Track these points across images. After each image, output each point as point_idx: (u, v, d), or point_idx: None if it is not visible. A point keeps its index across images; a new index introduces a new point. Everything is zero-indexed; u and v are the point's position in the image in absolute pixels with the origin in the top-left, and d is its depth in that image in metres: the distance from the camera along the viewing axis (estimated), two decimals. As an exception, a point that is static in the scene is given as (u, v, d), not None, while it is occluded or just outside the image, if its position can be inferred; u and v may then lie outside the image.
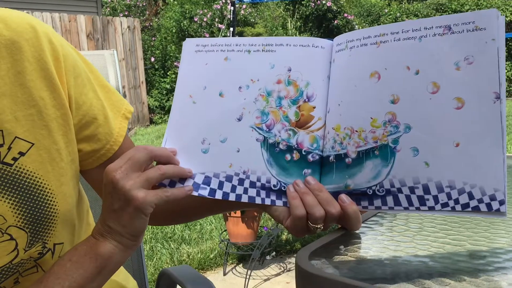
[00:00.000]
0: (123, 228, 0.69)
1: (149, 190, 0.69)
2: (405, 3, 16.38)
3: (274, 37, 0.78)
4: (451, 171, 0.62)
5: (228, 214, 2.82)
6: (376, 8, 14.47)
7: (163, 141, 0.78)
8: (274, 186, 0.71)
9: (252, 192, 0.72)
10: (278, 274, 2.84)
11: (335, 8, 13.62)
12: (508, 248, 0.76)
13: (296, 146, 0.71)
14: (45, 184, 0.72)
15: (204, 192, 0.72)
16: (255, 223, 2.85)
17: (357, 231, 0.86)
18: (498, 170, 0.60)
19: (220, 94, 0.76)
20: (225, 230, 3.05)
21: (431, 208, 0.63)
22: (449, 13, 12.96)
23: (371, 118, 0.68)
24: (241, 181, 0.72)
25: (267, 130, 0.73)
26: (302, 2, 13.48)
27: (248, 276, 2.70)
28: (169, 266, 3.09)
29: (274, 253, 3.11)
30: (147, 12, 17.23)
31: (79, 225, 0.83)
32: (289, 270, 2.90)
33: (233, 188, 0.72)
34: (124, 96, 8.72)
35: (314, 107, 0.72)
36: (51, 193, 0.73)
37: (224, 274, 2.89)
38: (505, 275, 0.67)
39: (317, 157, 0.71)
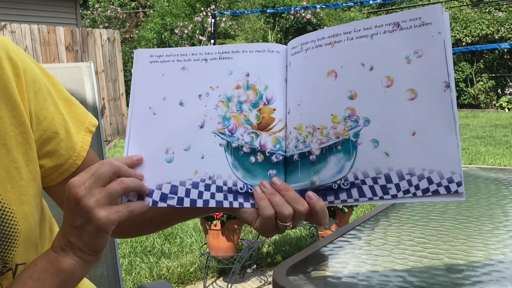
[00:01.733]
0: (84, 244, 0.68)
1: (111, 206, 0.67)
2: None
3: (229, 44, 0.79)
4: (410, 159, 0.65)
5: (208, 227, 2.79)
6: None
7: (124, 152, 0.77)
8: (241, 188, 0.71)
9: (219, 196, 0.72)
10: (259, 287, 2.82)
11: (314, 20, 13.76)
12: (485, 261, 0.76)
13: (259, 148, 0.72)
14: (5, 203, 0.70)
15: (172, 202, 0.72)
16: (235, 236, 2.83)
17: (335, 245, 0.85)
18: (453, 153, 0.63)
19: (180, 104, 0.76)
20: (205, 243, 3.02)
21: (394, 196, 0.65)
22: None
23: (332, 115, 0.70)
24: (207, 187, 0.72)
25: (230, 134, 0.73)
26: (282, 15, 13.58)
27: (228, 290, 2.68)
28: (148, 281, 3.04)
29: (254, 266, 3.08)
30: (128, 24, 17.18)
31: (42, 244, 0.81)
32: (269, 283, 2.87)
33: (200, 194, 0.72)
34: (104, 107, 8.64)
35: (275, 109, 0.73)
36: (11, 212, 0.70)
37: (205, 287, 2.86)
38: (482, 289, 0.67)
39: (281, 157, 0.72)
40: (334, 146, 0.69)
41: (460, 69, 12.99)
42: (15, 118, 0.70)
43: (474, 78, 12.99)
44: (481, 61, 12.87)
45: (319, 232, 3.21)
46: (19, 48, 0.76)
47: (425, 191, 0.63)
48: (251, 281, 2.93)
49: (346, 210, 2.93)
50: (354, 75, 0.69)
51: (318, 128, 0.70)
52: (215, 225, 2.76)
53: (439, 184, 0.63)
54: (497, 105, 12.77)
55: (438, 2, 13.91)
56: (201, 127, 0.74)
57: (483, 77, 12.89)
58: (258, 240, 2.81)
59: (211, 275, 3.01)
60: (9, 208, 0.70)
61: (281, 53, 0.76)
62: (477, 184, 1.30)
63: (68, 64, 1.54)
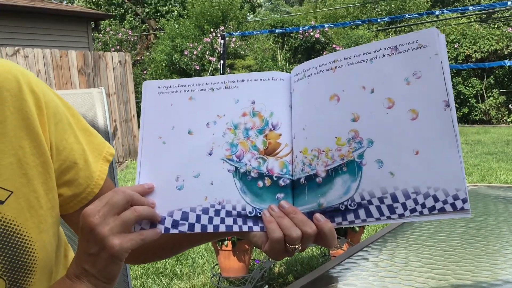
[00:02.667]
0: (98, 272, 0.69)
1: (125, 234, 0.69)
2: (392, 34, 16.69)
3: (235, 74, 0.82)
4: (414, 178, 0.66)
5: (219, 248, 2.80)
6: (364, 39, 14.73)
7: (136, 181, 0.79)
8: (250, 213, 0.73)
9: (229, 221, 0.74)
10: (271, 308, 2.80)
11: (323, 39, 13.84)
12: (492, 281, 0.77)
13: (267, 172, 0.74)
14: (24, 231, 0.72)
15: (184, 228, 0.74)
16: (246, 256, 2.83)
17: (343, 267, 0.86)
18: (457, 170, 0.64)
19: (189, 132, 0.79)
20: (216, 264, 3.03)
21: (401, 216, 0.66)
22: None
23: (336, 137, 0.71)
24: (217, 212, 0.74)
25: (238, 160, 0.76)
26: (291, 34, 13.69)
27: (240, 311, 2.67)
28: (161, 302, 3.04)
29: (266, 286, 3.08)
30: (139, 46, 17.40)
31: (56, 271, 0.82)
32: (282, 304, 2.85)
33: (210, 220, 0.74)
34: (116, 129, 8.72)
35: (280, 135, 0.75)
36: (30, 241, 0.73)
37: (217, 309, 2.86)
38: (488, 309, 0.67)
39: (288, 181, 0.73)
40: (340, 168, 0.70)
41: (470, 84, 12.96)
42: (36, 148, 0.73)
43: (484, 94, 12.94)
44: (491, 76, 12.83)
45: (331, 252, 3.20)
46: (41, 81, 0.79)
47: (432, 209, 0.65)
48: (263, 301, 2.91)
49: (357, 229, 2.92)
50: (356, 98, 0.71)
51: (323, 151, 0.72)
52: (226, 246, 2.76)
53: (444, 202, 0.64)
54: (508, 120, 12.69)
55: (445, 19, 13.94)
56: (210, 154, 0.77)
57: (493, 93, 12.84)
58: (270, 260, 2.80)
59: (223, 296, 3.01)
60: (28, 237, 0.72)
61: (285, 81, 0.78)
62: (486, 203, 1.30)
63: (80, 90, 1.58)
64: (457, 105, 13.16)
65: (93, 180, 0.81)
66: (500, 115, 12.88)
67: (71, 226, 0.85)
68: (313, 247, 3.53)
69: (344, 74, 0.73)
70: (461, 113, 13.18)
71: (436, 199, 0.65)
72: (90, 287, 0.70)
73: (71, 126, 0.80)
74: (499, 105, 12.78)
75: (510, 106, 12.83)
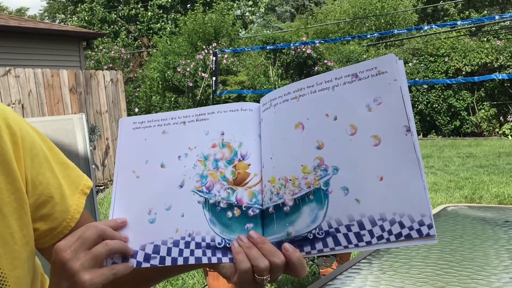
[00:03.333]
0: None
1: (96, 270, 0.69)
2: (382, 48, 16.82)
3: (206, 107, 0.83)
4: (380, 204, 0.66)
5: (208, 269, 2.78)
6: (355, 54, 14.82)
7: (109, 215, 0.80)
8: (219, 244, 0.73)
9: (198, 253, 0.74)
10: (261, 329, 2.79)
11: (315, 55, 13.93)
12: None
13: (236, 203, 0.75)
14: None
15: (155, 262, 0.74)
16: (236, 277, 2.81)
17: (314, 296, 0.86)
18: (421, 196, 0.64)
19: (161, 166, 0.80)
20: (206, 285, 3.01)
21: (369, 243, 0.66)
22: (425, 57, 13.29)
23: (302, 166, 0.72)
24: (187, 244, 0.74)
25: (207, 191, 0.76)
26: (283, 50, 13.78)
27: (229, 333, 2.65)
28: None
29: (257, 306, 3.06)
30: (131, 64, 17.45)
31: None
32: (272, 324, 2.81)
33: (180, 252, 0.74)
34: (108, 147, 8.71)
35: (249, 165, 0.76)
36: (3, 277, 0.72)
37: (206, 330, 2.83)
38: None
39: (257, 211, 0.74)
40: (307, 196, 0.71)
41: (461, 97, 13.04)
42: (11, 184, 0.73)
43: (476, 107, 13.03)
44: (482, 89, 12.92)
45: (321, 270, 3.19)
46: (19, 116, 0.79)
47: (398, 236, 0.65)
48: (253, 322, 2.89)
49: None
50: (320, 125, 0.72)
51: (290, 180, 0.72)
52: (215, 267, 2.75)
53: (410, 228, 0.64)
54: (500, 132, 12.76)
55: (434, 33, 14.07)
56: (181, 186, 0.77)
57: (484, 105, 12.92)
58: (259, 280, 2.79)
59: (212, 317, 2.98)
60: (2, 273, 0.72)
61: (253, 111, 0.79)
62: (464, 224, 1.30)
63: (60, 116, 1.58)
64: (448, 118, 13.23)
65: (69, 214, 0.81)
66: (491, 128, 12.95)
67: (48, 259, 0.85)
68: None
69: (307, 102, 0.74)
70: (453, 126, 13.24)
71: (402, 225, 0.65)
72: None
73: (47, 160, 0.80)
74: (490, 117, 12.86)
75: (501, 118, 12.91)
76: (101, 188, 7.67)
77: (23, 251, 0.75)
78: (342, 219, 0.68)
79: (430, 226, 0.64)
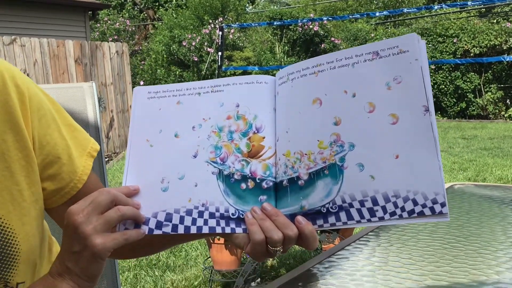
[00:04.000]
0: (80, 270, 0.71)
1: (108, 234, 0.70)
2: (391, 27, 16.64)
3: (221, 78, 0.84)
4: (394, 181, 0.67)
5: (211, 241, 2.82)
6: (363, 32, 14.68)
7: (122, 183, 0.80)
8: (233, 214, 0.74)
9: (212, 222, 0.75)
10: (262, 301, 2.83)
11: (322, 32, 13.81)
12: (468, 283, 0.78)
13: (250, 175, 0.75)
14: (6, 224, 0.73)
15: (167, 229, 0.75)
16: (238, 250, 2.84)
17: (323, 266, 0.87)
18: (436, 175, 0.65)
19: (175, 136, 0.80)
20: (209, 257, 3.05)
21: (381, 219, 0.67)
22: (433, 37, 13.16)
23: (318, 141, 0.72)
24: (200, 214, 0.75)
25: (222, 163, 0.77)
26: (290, 26, 13.65)
27: (232, 304, 2.69)
28: (153, 293, 3.06)
29: (258, 279, 3.10)
30: (137, 36, 17.34)
31: (41, 263, 0.84)
32: (273, 297, 2.86)
33: (194, 221, 0.75)
34: (112, 120, 8.72)
35: (264, 137, 0.76)
36: (13, 233, 0.74)
37: (209, 301, 2.88)
38: (461, 311, 0.68)
39: (271, 183, 0.74)
40: (322, 171, 0.71)
41: (468, 79, 12.96)
42: (19, 142, 0.74)
43: (482, 89, 12.95)
44: (490, 71, 12.83)
45: (323, 246, 3.22)
46: (26, 76, 0.80)
47: (411, 212, 0.66)
48: (255, 294, 2.93)
49: (349, 224, 2.94)
50: (338, 102, 0.72)
51: (306, 154, 0.73)
52: (219, 239, 2.78)
53: (423, 206, 0.65)
54: (506, 115, 12.71)
55: (444, 14, 13.90)
56: (195, 156, 0.78)
57: (491, 88, 12.84)
58: (262, 254, 2.82)
59: (215, 288, 3.03)
60: (11, 229, 0.73)
61: (269, 84, 0.79)
62: (471, 202, 1.31)
63: (71, 84, 1.58)
64: (455, 100, 13.17)
65: (76, 175, 0.82)
66: (497, 110, 12.89)
67: (56, 220, 0.86)
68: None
69: (326, 78, 0.74)
70: (459, 108, 13.19)
71: (415, 202, 0.65)
72: (72, 285, 0.72)
73: (55, 121, 0.81)
74: (496, 100, 12.79)
75: (507, 101, 12.85)
76: (105, 160, 7.72)
77: (32, 208, 0.76)
78: (356, 195, 0.68)
79: (443, 205, 0.64)
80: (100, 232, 0.69)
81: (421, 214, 0.65)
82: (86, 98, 1.50)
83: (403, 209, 0.66)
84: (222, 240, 2.78)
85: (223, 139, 0.77)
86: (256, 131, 0.76)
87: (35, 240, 0.78)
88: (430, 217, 0.65)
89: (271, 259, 3.38)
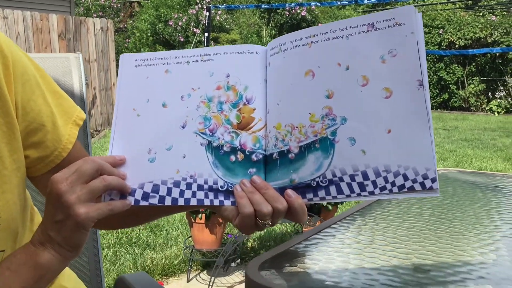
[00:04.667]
0: (63, 239, 0.69)
1: (92, 204, 0.69)
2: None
3: (211, 47, 0.81)
4: (386, 156, 0.67)
5: (193, 220, 2.81)
6: (350, 19, 14.62)
7: (108, 152, 0.78)
8: (221, 187, 0.73)
9: (200, 195, 0.74)
10: (242, 282, 2.84)
11: (309, 17, 13.76)
12: (453, 262, 0.79)
13: (239, 147, 0.74)
14: None
15: (154, 201, 0.74)
16: (220, 230, 2.85)
17: (309, 243, 0.88)
18: (428, 150, 0.65)
19: (163, 105, 0.78)
20: (190, 236, 3.05)
21: (371, 193, 0.67)
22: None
23: (310, 114, 0.71)
24: (188, 185, 0.74)
25: (211, 134, 0.75)
26: (278, 10, 13.57)
27: (211, 283, 2.70)
28: (132, 272, 3.05)
29: (239, 260, 3.11)
30: (122, 14, 17.08)
31: (22, 233, 0.82)
32: (253, 278, 2.88)
33: (182, 193, 0.74)
34: (95, 97, 8.60)
35: (254, 109, 0.75)
36: None
37: (188, 280, 2.88)
38: (446, 289, 0.69)
39: (261, 156, 0.74)
40: (312, 144, 0.71)
41: (452, 71, 13.07)
42: (1, 108, 0.72)
43: (465, 81, 13.08)
44: (473, 64, 12.95)
45: (304, 229, 3.24)
46: (10, 40, 0.77)
47: (401, 187, 0.66)
48: (235, 275, 2.95)
49: (330, 207, 2.96)
50: (331, 74, 0.71)
51: (297, 127, 0.72)
52: (200, 219, 2.77)
53: (414, 181, 0.65)
54: (487, 108, 12.87)
55: (432, 4, 13.96)
56: (183, 127, 0.76)
57: (474, 80, 12.98)
58: (243, 235, 2.83)
59: (195, 268, 3.03)
60: None
61: (260, 54, 0.78)
62: (455, 187, 1.32)
63: (57, 54, 1.55)
64: (437, 91, 13.29)
65: (61, 143, 0.80)
66: (479, 103, 13.05)
67: (40, 189, 0.84)
68: (287, 224, 3.57)
69: (320, 50, 0.72)
70: (441, 99, 13.31)
71: (406, 177, 0.65)
72: (54, 254, 0.70)
73: (39, 87, 0.78)
74: (478, 92, 12.94)
75: (489, 94, 13.00)
76: (86, 137, 7.62)
77: (13, 176, 0.75)
78: (347, 169, 0.68)
79: (433, 180, 0.64)
80: (84, 202, 0.68)
81: (411, 189, 0.65)
82: (72, 69, 1.47)
83: (393, 184, 0.66)
84: (203, 220, 2.77)
85: (212, 110, 0.76)
86: (246, 103, 0.75)
87: (16, 208, 0.76)
88: (420, 192, 0.65)
89: (251, 240, 3.39)
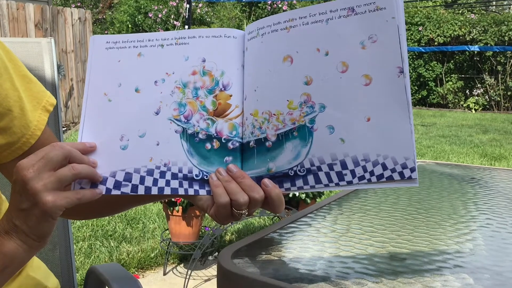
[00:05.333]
0: (29, 228, 0.66)
1: (60, 192, 0.66)
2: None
3: (186, 30, 0.78)
4: (364, 145, 0.65)
5: (170, 213, 2.78)
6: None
7: (78, 138, 0.75)
8: (196, 176, 0.71)
9: (174, 183, 0.71)
10: (219, 275, 2.83)
11: (291, 12, 13.75)
12: (429, 251, 0.77)
13: (215, 134, 0.72)
14: None
15: (126, 189, 0.71)
16: (197, 223, 2.82)
17: (285, 231, 0.86)
18: (407, 139, 0.64)
19: (136, 90, 0.75)
20: (167, 229, 3.01)
21: (349, 183, 0.65)
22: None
23: (288, 101, 0.69)
24: (162, 174, 0.71)
25: (186, 121, 0.72)
26: (259, 4, 13.53)
27: (188, 276, 2.67)
28: (108, 264, 3.00)
29: (216, 253, 3.09)
30: (101, 5, 16.83)
31: None
32: (230, 271, 2.86)
33: (155, 182, 0.71)
34: (72, 89, 8.47)
35: (231, 96, 0.73)
36: None
37: (164, 273, 2.84)
38: (422, 277, 0.68)
39: (237, 144, 0.71)
40: (290, 132, 0.69)
41: (430, 68, 13.20)
42: None
43: (443, 78, 13.23)
44: (452, 61, 13.09)
45: (282, 222, 3.23)
46: None
47: (380, 177, 0.64)
48: (212, 268, 2.93)
49: (309, 201, 2.95)
50: (310, 60, 0.69)
51: (274, 114, 0.70)
52: (178, 211, 2.74)
53: (393, 170, 0.64)
54: (464, 105, 13.04)
55: (411, 1, 14.07)
56: (157, 113, 0.73)
57: (452, 78, 13.13)
58: (220, 227, 2.81)
59: (171, 261, 3.00)
60: None
61: (238, 39, 0.75)
62: (431, 178, 1.32)
63: (28, 39, 1.50)
64: (416, 88, 13.41)
65: (29, 129, 0.76)
66: (457, 100, 13.21)
67: (7, 177, 0.81)
68: (265, 217, 3.56)
69: (298, 34, 0.70)
70: (420, 96, 13.44)
71: (384, 167, 0.64)
72: (19, 243, 0.67)
73: (7, 71, 0.75)
74: (456, 90, 13.09)
75: (467, 91, 13.17)
76: (63, 129, 7.51)
77: None
78: (325, 158, 0.66)
79: (412, 170, 0.63)
80: (51, 190, 0.64)
81: (390, 178, 0.64)
82: (44, 54, 1.43)
83: (372, 173, 0.64)
84: (180, 212, 2.74)
85: (187, 95, 0.73)
86: (222, 89, 0.72)
87: None
88: (399, 182, 0.64)
89: (229, 233, 3.37)
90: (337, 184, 0.66)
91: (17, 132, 0.75)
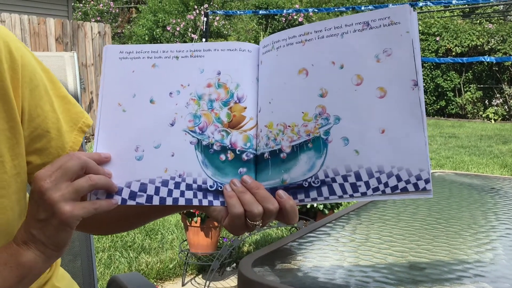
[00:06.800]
0: (47, 238, 0.67)
1: (77, 202, 0.67)
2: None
3: (201, 43, 0.79)
4: (379, 157, 0.66)
5: (188, 224, 2.80)
6: (348, 26, 14.63)
7: (93, 149, 0.76)
8: (211, 186, 0.72)
9: (189, 194, 0.72)
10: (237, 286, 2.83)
11: (307, 24, 13.80)
12: (448, 261, 0.78)
13: (230, 146, 0.73)
14: None
15: (141, 200, 0.72)
16: (215, 233, 2.83)
17: (304, 241, 0.86)
18: (422, 151, 0.64)
19: (151, 101, 0.76)
20: (185, 240, 3.03)
21: (364, 194, 0.66)
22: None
23: (302, 113, 0.70)
24: (177, 185, 0.73)
25: (200, 132, 0.74)
26: (275, 16, 13.61)
27: (206, 287, 2.68)
28: (127, 275, 3.03)
29: (234, 264, 3.09)
30: (120, 19, 17.10)
31: None
32: (248, 282, 2.86)
33: (170, 192, 0.72)
34: (92, 101, 8.59)
35: (245, 108, 0.74)
36: None
37: (183, 284, 2.86)
38: (442, 286, 0.68)
39: (251, 155, 0.72)
40: (305, 144, 0.70)
41: (449, 78, 13.11)
42: (6, 112, 0.70)
43: (462, 88, 13.11)
44: (470, 71, 12.99)
45: (300, 233, 3.23)
46: (22, 44, 0.76)
47: (394, 188, 0.65)
48: (230, 279, 2.93)
49: (327, 211, 2.95)
50: (325, 73, 0.70)
51: (289, 126, 0.71)
52: (196, 222, 2.76)
53: (407, 182, 0.64)
54: (483, 116, 12.90)
55: (428, 12, 14.02)
56: (172, 125, 0.74)
57: (471, 88, 13.01)
58: (239, 239, 2.81)
59: (190, 272, 3.01)
60: None
61: (252, 52, 0.76)
62: (451, 188, 1.32)
63: (51, 53, 1.53)
64: (434, 98, 13.32)
65: (65, 150, 0.78)
66: (476, 110, 13.08)
67: None
68: (283, 228, 3.56)
69: (314, 48, 0.71)
70: (438, 106, 13.34)
71: (399, 178, 0.65)
72: (37, 253, 0.68)
73: (47, 93, 0.77)
74: (475, 100, 12.97)
75: (486, 101, 13.03)
76: (84, 141, 7.60)
77: (13, 181, 0.73)
78: (339, 169, 0.67)
79: (427, 181, 0.64)
80: (69, 200, 0.66)
81: (404, 190, 0.64)
82: (66, 67, 1.46)
83: (386, 185, 0.65)
84: (198, 223, 2.76)
85: (202, 107, 0.74)
86: (237, 101, 0.74)
87: (13, 214, 0.74)
88: (413, 193, 0.64)
89: (247, 244, 3.38)
90: (351, 196, 0.67)
91: (53, 153, 0.77)
